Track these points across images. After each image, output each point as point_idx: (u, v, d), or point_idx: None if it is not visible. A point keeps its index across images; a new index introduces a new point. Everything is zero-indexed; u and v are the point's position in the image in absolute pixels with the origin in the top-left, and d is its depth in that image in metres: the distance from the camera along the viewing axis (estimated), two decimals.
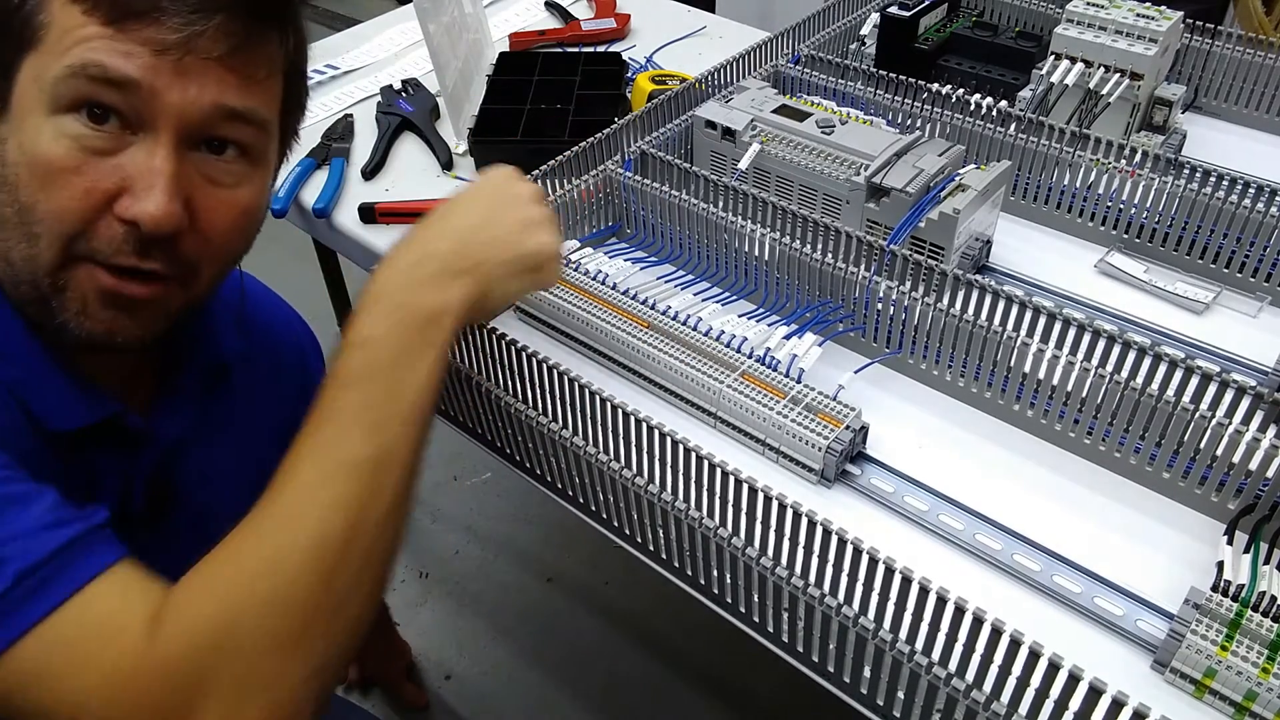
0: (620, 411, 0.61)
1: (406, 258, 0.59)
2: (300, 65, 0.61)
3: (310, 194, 1.01)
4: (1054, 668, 0.46)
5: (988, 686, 0.49)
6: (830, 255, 0.74)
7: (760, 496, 0.55)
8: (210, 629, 0.47)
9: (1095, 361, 0.65)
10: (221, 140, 0.55)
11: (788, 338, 0.72)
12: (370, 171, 1.05)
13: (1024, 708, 0.48)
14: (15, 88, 0.52)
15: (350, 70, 1.26)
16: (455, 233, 0.61)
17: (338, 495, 0.51)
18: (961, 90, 0.91)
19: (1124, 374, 0.63)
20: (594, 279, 0.79)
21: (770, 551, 0.56)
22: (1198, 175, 0.80)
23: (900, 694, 0.53)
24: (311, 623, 0.49)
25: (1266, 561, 0.57)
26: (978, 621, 0.48)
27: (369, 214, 0.98)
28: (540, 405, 0.67)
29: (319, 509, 0.50)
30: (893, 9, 1.02)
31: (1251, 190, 0.77)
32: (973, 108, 0.89)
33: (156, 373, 0.68)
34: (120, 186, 0.52)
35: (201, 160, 0.55)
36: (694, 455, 0.58)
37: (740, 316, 0.76)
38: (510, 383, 0.68)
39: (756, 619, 0.60)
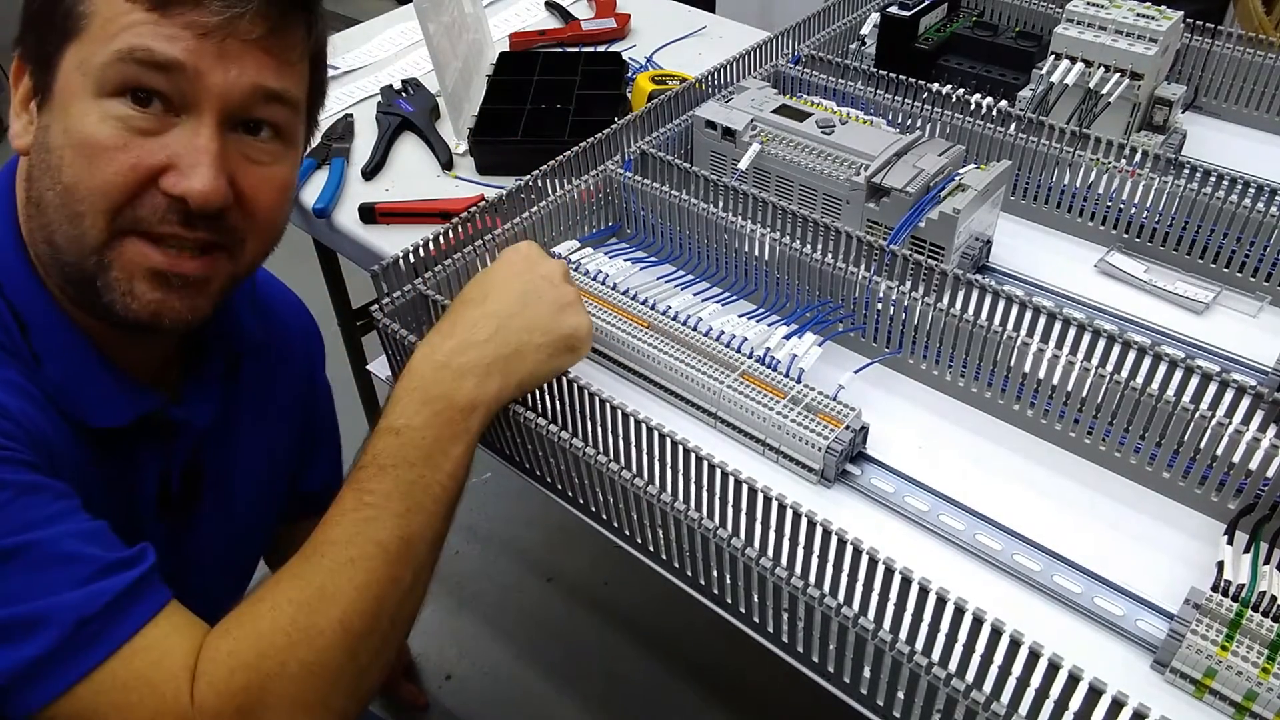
0: (620, 413, 0.61)
1: (445, 346, 0.62)
2: (323, 53, 0.63)
3: (310, 194, 1.01)
4: (1054, 668, 0.46)
5: (988, 687, 0.49)
6: (830, 255, 0.74)
7: (760, 497, 0.55)
8: (245, 694, 0.50)
9: (1095, 361, 0.65)
10: (258, 121, 0.58)
11: (788, 338, 0.72)
12: (370, 171, 1.05)
13: (1024, 708, 0.48)
14: (59, 76, 0.54)
15: (350, 70, 1.26)
16: (493, 319, 0.64)
17: (369, 576, 0.54)
18: (961, 90, 0.91)
19: (1124, 374, 0.63)
20: (594, 279, 0.79)
21: (770, 552, 0.56)
22: (1198, 175, 0.80)
23: (900, 694, 0.53)
24: (337, 688, 0.53)
25: (1267, 561, 0.57)
26: (978, 622, 0.48)
27: (369, 214, 0.98)
28: (540, 407, 0.67)
29: (351, 589, 0.54)
30: (893, 9, 1.02)
31: (1252, 190, 0.77)
32: (973, 108, 0.89)
33: (184, 359, 0.69)
34: (166, 164, 0.54)
35: (239, 141, 0.57)
36: (694, 456, 0.58)
37: (740, 316, 0.76)
38: None
39: (756, 619, 0.60)
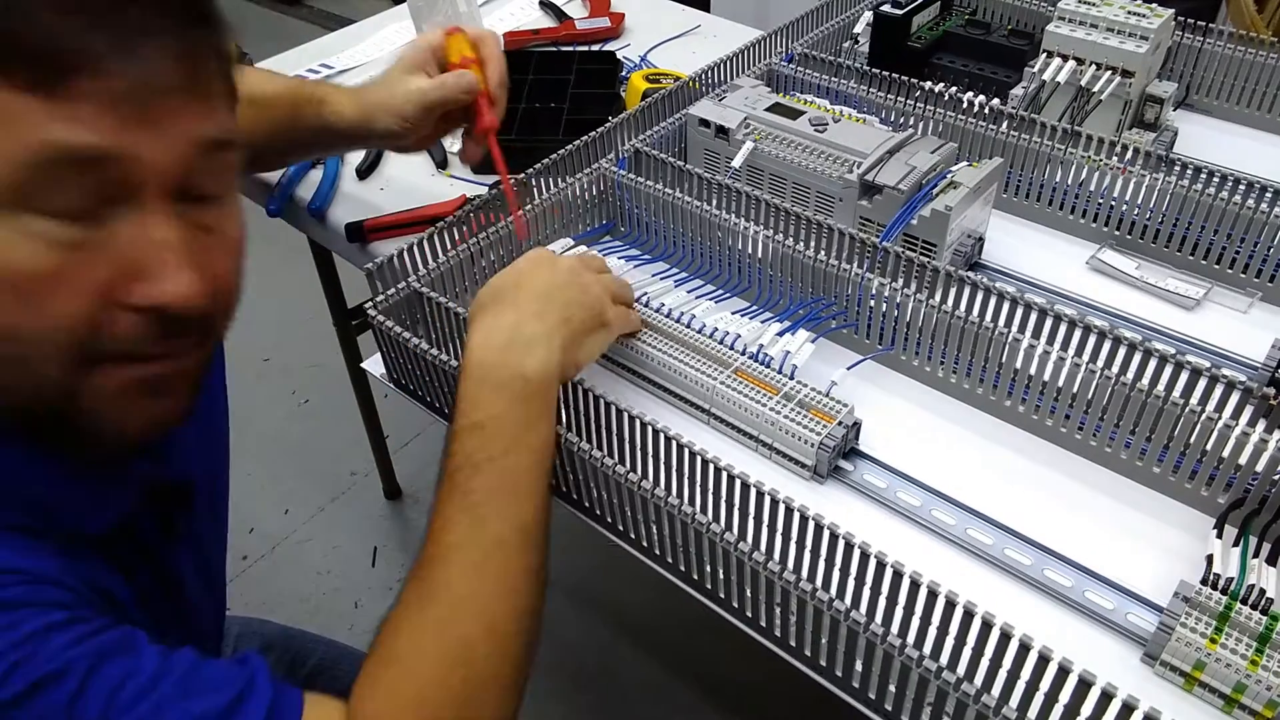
0: (614, 409, 0.62)
1: (502, 326, 0.61)
2: (228, 50, 0.50)
3: (305, 192, 1.02)
4: (1044, 661, 0.46)
5: (979, 680, 0.50)
6: (823, 252, 0.75)
7: (753, 492, 0.56)
8: None
9: (1086, 357, 0.65)
10: (200, 187, 0.47)
11: (781, 334, 0.73)
12: (365, 170, 1.05)
13: (1015, 700, 0.49)
14: None
15: (345, 70, 1.26)
16: (538, 298, 0.63)
17: (500, 572, 0.53)
18: (954, 88, 0.91)
19: (1115, 370, 0.64)
20: None
21: (764, 547, 0.57)
22: (1189, 172, 0.80)
23: (892, 687, 0.53)
24: (503, 696, 0.51)
25: (1255, 555, 0.57)
26: (969, 615, 0.49)
27: (357, 233, 0.96)
28: None
29: (487, 592, 0.53)
30: (886, 7, 1.02)
31: (1242, 187, 0.78)
32: (965, 105, 0.89)
33: None
34: (121, 273, 0.44)
35: (188, 210, 0.47)
36: (688, 452, 0.58)
37: (734, 313, 0.77)
38: None
39: (750, 614, 0.60)
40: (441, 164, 1.06)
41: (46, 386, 0.45)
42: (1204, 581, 0.55)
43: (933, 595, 0.50)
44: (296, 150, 0.90)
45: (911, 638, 0.51)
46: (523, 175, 0.82)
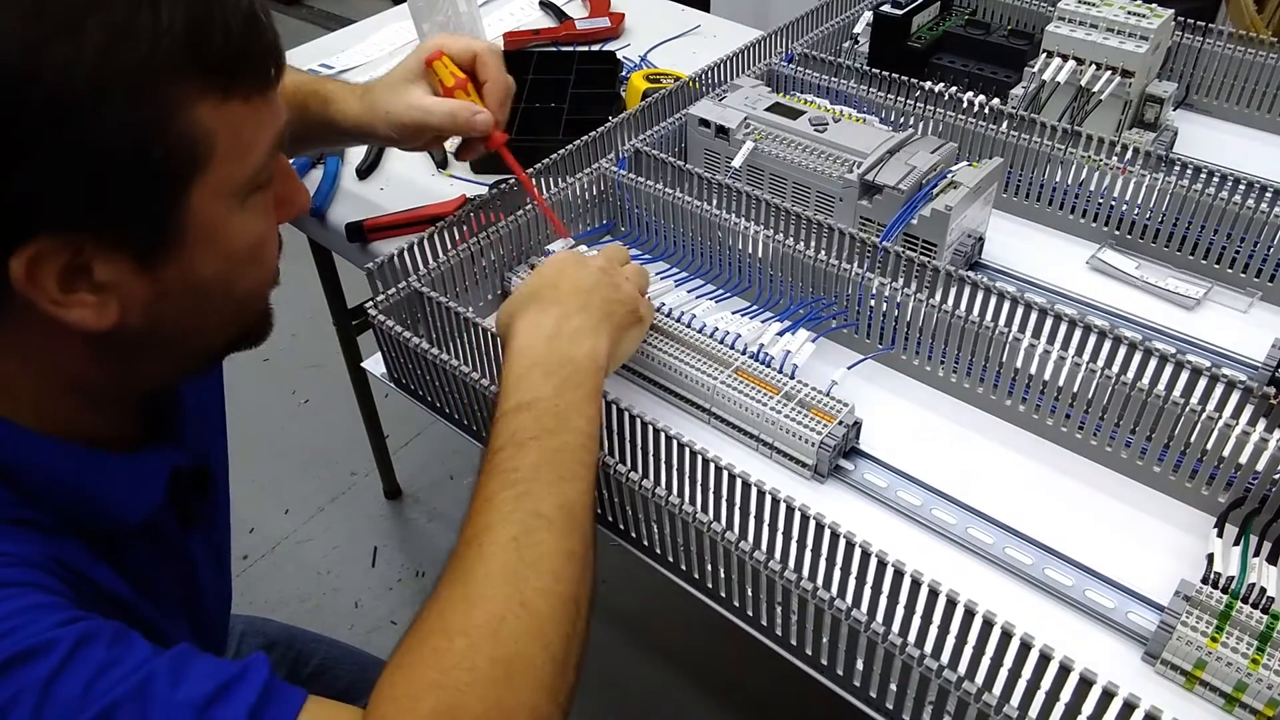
0: (615, 408, 0.62)
1: (548, 320, 0.62)
2: None
3: None
4: (1045, 659, 0.46)
5: (980, 679, 0.50)
6: (823, 252, 0.75)
7: (754, 492, 0.56)
8: (434, 716, 0.43)
9: (1086, 357, 0.65)
10: None
11: (781, 334, 0.73)
12: (365, 170, 1.05)
13: (1015, 699, 0.49)
14: (188, 216, 0.46)
15: (345, 70, 1.26)
16: (579, 293, 0.64)
17: (539, 549, 0.50)
18: (954, 88, 0.91)
19: (1115, 369, 0.64)
20: None
21: (764, 546, 0.57)
22: (1189, 172, 0.80)
23: (893, 686, 0.53)
24: (539, 687, 0.46)
25: (1256, 554, 0.57)
26: (970, 615, 0.49)
27: (357, 233, 0.96)
28: None
29: (523, 566, 0.49)
30: (886, 7, 1.02)
31: (1242, 187, 0.78)
32: (965, 105, 0.89)
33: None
34: (280, 205, 0.54)
35: None
36: (689, 451, 0.58)
37: (734, 313, 0.77)
38: None
39: (751, 613, 0.60)
40: (441, 164, 1.06)
41: (262, 314, 0.57)
42: (1205, 580, 0.55)
43: (934, 594, 0.50)
44: (300, 144, 0.90)
45: (912, 637, 0.51)
46: (529, 171, 0.82)
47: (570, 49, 1.25)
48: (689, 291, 0.80)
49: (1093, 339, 0.66)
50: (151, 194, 0.45)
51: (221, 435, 0.72)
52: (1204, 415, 0.61)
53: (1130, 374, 0.63)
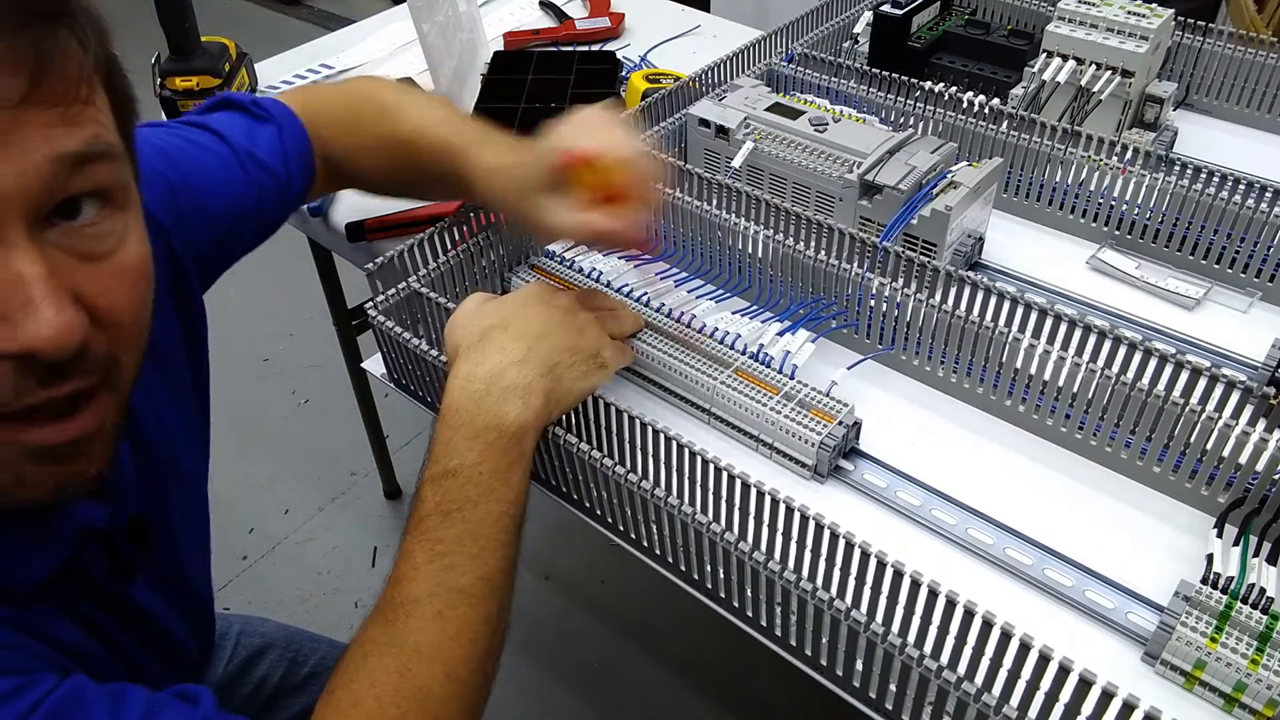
0: (615, 409, 0.62)
1: (480, 374, 0.60)
2: (110, 53, 0.43)
3: None
4: (1045, 660, 0.46)
5: (979, 679, 0.50)
6: (823, 252, 0.75)
7: (754, 492, 0.56)
8: None
9: (1086, 357, 0.65)
10: (73, 200, 0.41)
11: (781, 334, 0.73)
12: None
13: (1015, 700, 0.49)
14: None
15: (345, 70, 1.26)
16: (522, 340, 0.62)
17: (460, 624, 0.54)
18: (954, 88, 0.91)
19: (1115, 369, 0.64)
20: (588, 276, 0.79)
21: (764, 547, 0.57)
22: (1189, 172, 0.80)
23: (893, 687, 0.53)
24: None
25: (1255, 554, 0.57)
26: (969, 615, 0.49)
27: (358, 232, 0.96)
28: None
29: (447, 641, 0.53)
30: (885, 7, 1.02)
31: (1242, 187, 0.78)
32: (965, 105, 0.89)
33: None
34: None
35: (60, 235, 0.40)
36: (688, 452, 0.58)
37: (734, 313, 0.77)
38: None
39: (751, 614, 0.60)
40: None
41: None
42: (1204, 581, 0.55)
43: (933, 595, 0.50)
44: (408, 190, 0.83)
45: (912, 637, 0.51)
46: None
47: (570, 49, 1.25)
48: (689, 292, 0.80)
49: (1093, 339, 0.66)
50: None
51: (171, 477, 0.63)
52: (1204, 415, 0.61)
53: (1130, 374, 0.63)
